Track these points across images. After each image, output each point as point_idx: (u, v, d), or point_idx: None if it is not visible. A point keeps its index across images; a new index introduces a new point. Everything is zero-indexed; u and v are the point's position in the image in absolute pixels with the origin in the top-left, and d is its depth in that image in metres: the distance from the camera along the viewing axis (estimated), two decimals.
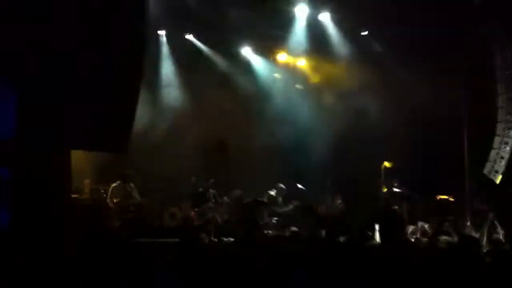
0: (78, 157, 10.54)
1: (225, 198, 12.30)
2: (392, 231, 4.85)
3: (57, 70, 8.05)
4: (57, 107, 7.91)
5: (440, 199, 12.57)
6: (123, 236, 7.80)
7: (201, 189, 12.62)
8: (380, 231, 4.55)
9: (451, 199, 12.59)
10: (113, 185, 10.09)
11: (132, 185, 10.15)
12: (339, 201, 12.92)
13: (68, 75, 8.12)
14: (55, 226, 7.61)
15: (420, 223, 9.84)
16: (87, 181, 10.78)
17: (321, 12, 12.50)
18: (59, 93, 7.75)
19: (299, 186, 12.75)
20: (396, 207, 11.83)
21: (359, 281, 3.51)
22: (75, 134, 7.87)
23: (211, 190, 12.54)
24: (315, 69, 14.10)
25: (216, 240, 7.72)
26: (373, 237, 7.67)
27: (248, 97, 13.72)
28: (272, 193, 11.92)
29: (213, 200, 12.40)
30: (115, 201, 9.98)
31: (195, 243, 5.51)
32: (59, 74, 8.06)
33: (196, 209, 12.65)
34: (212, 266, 3.46)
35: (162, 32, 12.93)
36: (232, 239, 7.96)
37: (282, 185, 12.05)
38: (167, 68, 13.30)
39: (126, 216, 10.09)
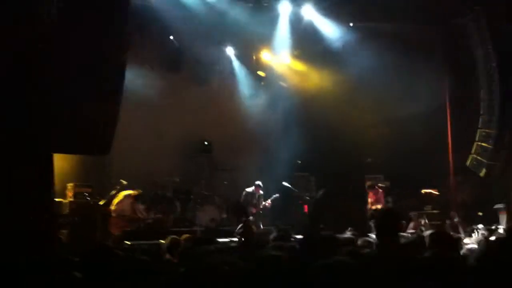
0: (60, 159, 10.27)
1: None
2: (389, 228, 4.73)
3: (37, 71, 7.81)
4: (38, 109, 7.68)
5: (425, 192, 12.65)
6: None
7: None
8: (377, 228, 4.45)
9: (436, 193, 12.69)
10: (124, 193, 9.88)
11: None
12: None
13: (48, 76, 7.88)
14: (39, 232, 7.40)
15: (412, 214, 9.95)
16: (70, 184, 10.47)
17: (303, 6, 12.32)
18: (39, 94, 7.53)
19: (285, 183, 12.68)
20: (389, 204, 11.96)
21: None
22: (57, 137, 7.65)
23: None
24: (299, 67, 13.99)
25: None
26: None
27: (232, 96, 13.58)
28: (250, 190, 11.83)
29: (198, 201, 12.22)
30: (114, 208, 9.74)
31: None
32: (38, 75, 7.82)
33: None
34: None
35: None
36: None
37: (259, 182, 11.89)
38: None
39: (127, 227, 9.82)
